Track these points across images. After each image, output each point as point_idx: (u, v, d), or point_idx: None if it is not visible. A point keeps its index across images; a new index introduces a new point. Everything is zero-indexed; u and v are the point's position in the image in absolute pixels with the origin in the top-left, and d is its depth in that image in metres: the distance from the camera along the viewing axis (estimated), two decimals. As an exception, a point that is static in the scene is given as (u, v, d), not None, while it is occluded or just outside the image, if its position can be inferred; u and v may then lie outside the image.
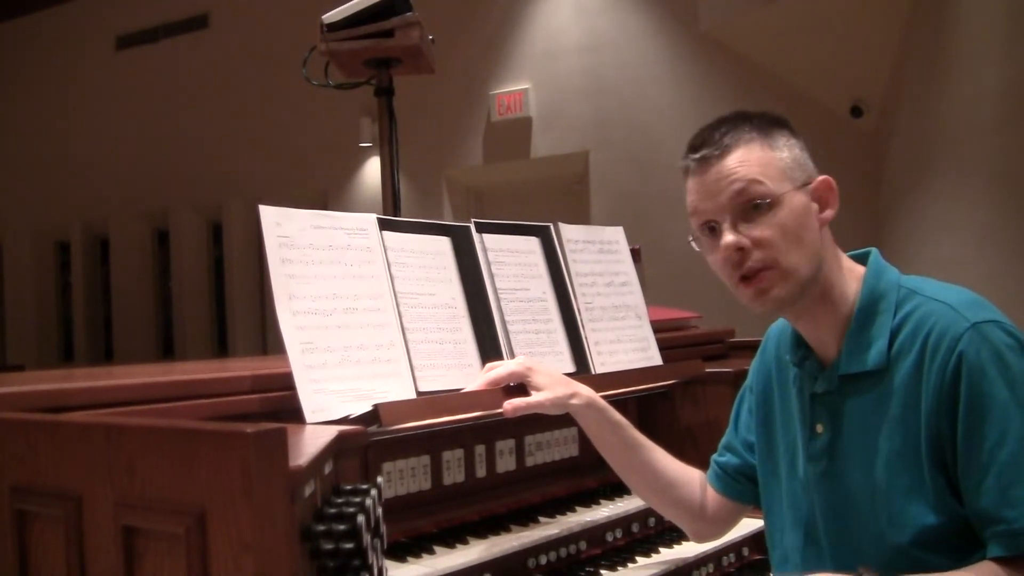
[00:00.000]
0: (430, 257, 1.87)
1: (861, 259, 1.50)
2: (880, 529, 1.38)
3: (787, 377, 1.57)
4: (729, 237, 1.42)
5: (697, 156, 1.46)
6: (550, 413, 1.73)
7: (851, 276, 1.47)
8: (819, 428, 1.47)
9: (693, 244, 1.52)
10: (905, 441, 1.36)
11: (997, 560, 1.28)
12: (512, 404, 1.68)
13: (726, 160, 1.44)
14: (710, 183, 1.45)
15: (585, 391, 1.73)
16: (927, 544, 1.34)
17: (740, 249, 1.42)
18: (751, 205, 1.42)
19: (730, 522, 1.79)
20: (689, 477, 1.76)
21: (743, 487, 1.72)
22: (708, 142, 1.46)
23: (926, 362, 1.34)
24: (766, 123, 1.47)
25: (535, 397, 1.70)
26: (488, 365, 1.78)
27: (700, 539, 1.83)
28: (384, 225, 1.80)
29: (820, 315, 1.46)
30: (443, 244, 1.91)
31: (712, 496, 1.75)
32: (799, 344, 1.52)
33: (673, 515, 1.80)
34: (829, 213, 1.45)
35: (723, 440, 1.78)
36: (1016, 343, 1.33)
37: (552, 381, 1.72)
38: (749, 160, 1.43)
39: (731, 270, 1.44)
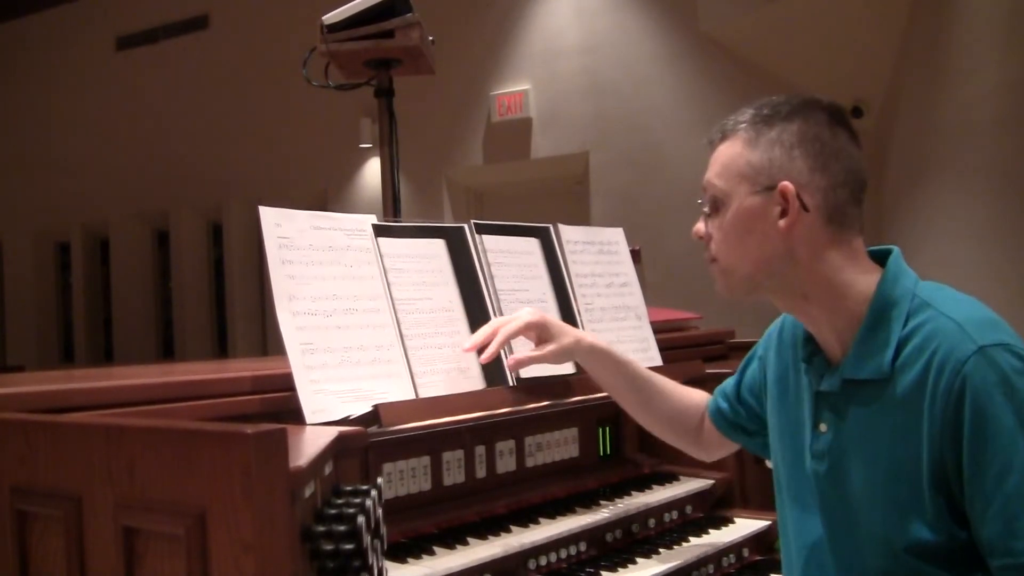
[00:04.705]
0: (426, 261, 1.87)
1: (880, 255, 1.47)
2: (879, 534, 1.37)
3: (800, 365, 1.57)
4: (697, 225, 1.53)
5: (705, 140, 1.54)
6: (554, 363, 1.85)
7: (856, 280, 1.43)
8: (823, 427, 1.46)
9: None
10: (904, 456, 1.34)
11: None
12: (515, 358, 1.81)
13: (715, 150, 1.50)
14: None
15: (588, 338, 1.85)
16: (925, 556, 1.32)
17: (702, 237, 1.52)
18: (709, 201, 1.50)
19: (723, 449, 1.90)
20: (690, 405, 1.89)
21: (733, 433, 1.82)
22: (719, 126, 1.51)
23: (930, 383, 1.31)
24: (771, 115, 1.44)
25: (540, 350, 1.81)
26: (496, 321, 1.84)
27: (697, 457, 1.95)
28: (379, 231, 1.80)
29: (816, 318, 1.46)
30: (438, 247, 1.91)
31: (708, 425, 1.86)
32: (808, 339, 1.51)
33: (672, 441, 1.94)
34: (784, 222, 1.40)
35: (728, 387, 1.82)
36: None
37: (560, 332, 1.83)
38: (720, 157, 1.48)
39: (705, 252, 1.53)
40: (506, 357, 1.87)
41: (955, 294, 1.40)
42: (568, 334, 1.83)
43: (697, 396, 1.90)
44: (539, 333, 1.82)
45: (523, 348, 1.85)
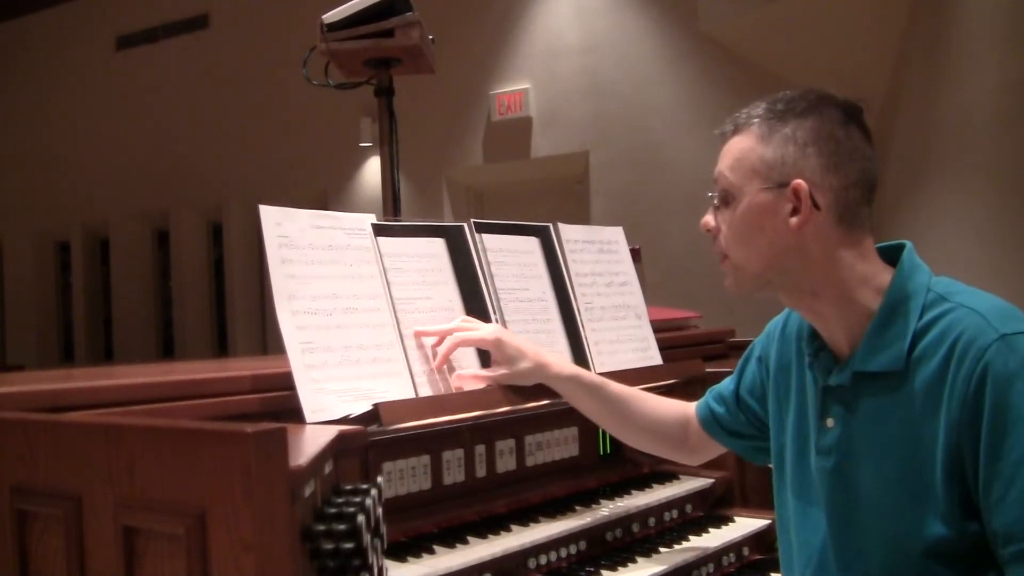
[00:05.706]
0: (426, 260, 1.87)
1: (891, 251, 1.46)
2: (887, 530, 1.36)
3: (805, 360, 1.56)
4: (705, 217, 1.52)
5: (717, 132, 1.52)
6: (507, 383, 1.80)
7: (867, 278, 1.42)
8: (830, 422, 1.45)
9: None
10: (918, 449, 1.33)
11: None
12: (460, 376, 1.79)
13: (727, 143, 1.49)
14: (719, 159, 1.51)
15: (556, 366, 1.81)
16: (935, 554, 1.31)
17: (710, 230, 1.51)
18: (720, 194, 1.48)
19: (711, 452, 1.87)
20: (671, 416, 1.86)
21: (728, 439, 1.79)
22: (731, 119, 1.50)
23: (951, 371, 1.31)
24: (785, 111, 1.43)
25: (489, 371, 1.80)
26: (463, 319, 1.83)
27: (685, 463, 1.94)
28: (379, 231, 1.80)
29: (825, 314, 1.45)
30: (438, 246, 1.91)
31: (696, 429, 1.83)
32: (814, 336, 1.51)
33: (657, 452, 1.93)
34: (796, 220, 1.40)
35: (725, 391, 1.79)
36: None
37: (516, 356, 1.78)
38: (732, 150, 1.47)
39: (713, 245, 1.51)
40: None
41: (970, 288, 1.40)
42: (527, 358, 1.78)
43: (676, 405, 1.87)
44: (494, 353, 1.80)
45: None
